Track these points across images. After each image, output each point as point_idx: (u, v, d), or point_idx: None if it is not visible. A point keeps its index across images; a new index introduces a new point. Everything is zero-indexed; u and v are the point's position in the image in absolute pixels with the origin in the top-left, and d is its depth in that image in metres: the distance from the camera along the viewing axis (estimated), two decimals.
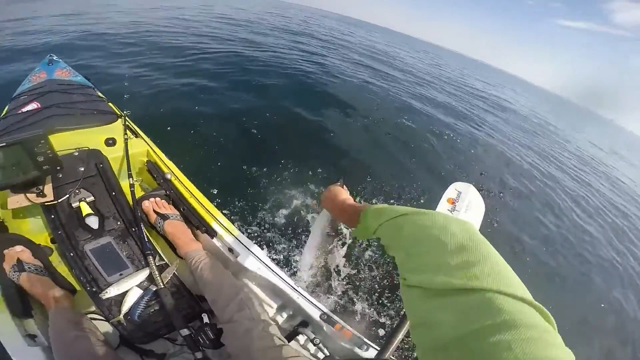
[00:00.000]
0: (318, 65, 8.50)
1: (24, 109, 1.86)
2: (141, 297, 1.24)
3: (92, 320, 1.17)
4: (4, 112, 1.90)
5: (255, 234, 2.54)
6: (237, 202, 2.74)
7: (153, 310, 1.22)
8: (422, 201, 4.07)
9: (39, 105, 1.89)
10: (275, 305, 1.44)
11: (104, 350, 1.00)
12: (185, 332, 1.13)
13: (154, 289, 1.25)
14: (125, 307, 1.19)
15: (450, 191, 1.39)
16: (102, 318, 1.19)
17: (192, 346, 1.10)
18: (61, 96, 2.00)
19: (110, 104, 2.06)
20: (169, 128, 3.57)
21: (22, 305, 1.11)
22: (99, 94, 2.21)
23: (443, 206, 1.35)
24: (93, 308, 1.25)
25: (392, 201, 3.82)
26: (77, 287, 1.28)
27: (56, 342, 0.99)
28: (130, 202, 1.45)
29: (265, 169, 3.38)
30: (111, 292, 1.20)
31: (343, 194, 0.86)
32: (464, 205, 1.33)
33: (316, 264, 0.97)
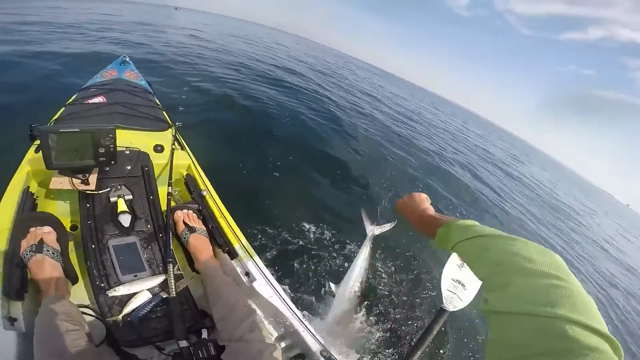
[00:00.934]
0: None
1: (91, 101, 2.04)
2: (148, 302, 1.24)
3: (84, 315, 1.15)
4: (72, 99, 2.08)
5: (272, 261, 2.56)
6: (258, 227, 2.81)
7: (155, 316, 1.22)
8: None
9: (105, 100, 2.06)
10: (275, 334, 1.42)
11: (88, 348, 0.99)
12: (184, 343, 1.12)
13: (164, 296, 1.27)
14: (128, 308, 1.20)
15: None
16: (93, 314, 1.18)
17: (186, 359, 1.08)
18: (126, 96, 2.18)
19: (164, 112, 2.22)
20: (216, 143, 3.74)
21: (19, 286, 1.10)
22: (157, 101, 2.40)
23: (453, 261, 1.37)
24: (87, 302, 1.25)
25: None
26: (80, 278, 1.30)
27: (42, 331, 0.97)
28: (164, 209, 1.51)
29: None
30: (120, 291, 1.23)
31: (425, 202, 0.88)
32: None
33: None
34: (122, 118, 1.92)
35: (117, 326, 1.14)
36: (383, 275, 3.24)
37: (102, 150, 1.39)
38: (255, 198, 3.38)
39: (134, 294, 1.25)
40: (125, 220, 1.40)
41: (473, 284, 1.36)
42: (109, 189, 1.47)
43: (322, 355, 1.27)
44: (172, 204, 1.57)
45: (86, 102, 2.02)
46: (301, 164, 4.49)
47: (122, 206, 1.43)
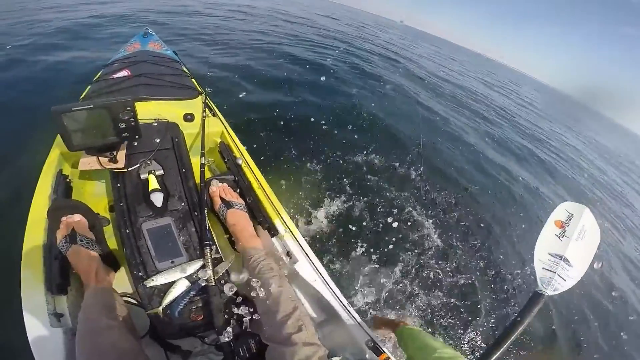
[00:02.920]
0: None
1: (115, 75, 1.92)
2: (187, 292, 1.10)
3: (126, 304, 1.09)
4: (97, 76, 1.99)
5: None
6: (300, 203, 2.60)
7: (196, 307, 1.09)
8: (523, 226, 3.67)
9: (130, 73, 1.93)
10: (318, 319, 1.32)
11: (130, 343, 0.93)
12: (225, 337, 1.00)
13: (203, 284, 1.12)
14: (167, 300, 1.07)
15: (559, 213, 1.16)
16: (137, 304, 1.10)
17: (228, 354, 0.99)
18: (151, 67, 2.04)
19: (193, 79, 2.06)
20: (249, 115, 3.53)
21: (61, 279, 1.05)
22: (184, 68, 2.23)
23: (550, 229, 1.13)
24: (131, 290, 1.17)
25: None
26: (122, 265, 1.22)
27: (84, 328, 0.91)
28: (198, 183, 1.34)
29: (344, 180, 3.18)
30: (158, 280, 1.09)
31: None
32: (576, 231, 1.11)
33: None
34: (147, 89, 1.78)
35: (158, 319, 1.05)
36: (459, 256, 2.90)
37: (122, 125, 1.26)
38: (298, 168, 3.12)
39: (172, 282, 1.11)
40: (158, 199, 1.24)
41: (582, 258, 1.07)
42: (138, 165, 1.32)
43: (367, 345, 1.16)
44: (207, 175, 1.39)
45: (111, 77, 1.91)
46: (346, 134, 4.10)
47: (153, 183, 1.27)
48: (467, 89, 11.05)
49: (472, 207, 3.70)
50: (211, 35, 6.24)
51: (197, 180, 1.36)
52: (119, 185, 1.26)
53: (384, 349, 1.17)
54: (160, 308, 1.05)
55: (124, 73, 1.93)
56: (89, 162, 1.28)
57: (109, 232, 1.28)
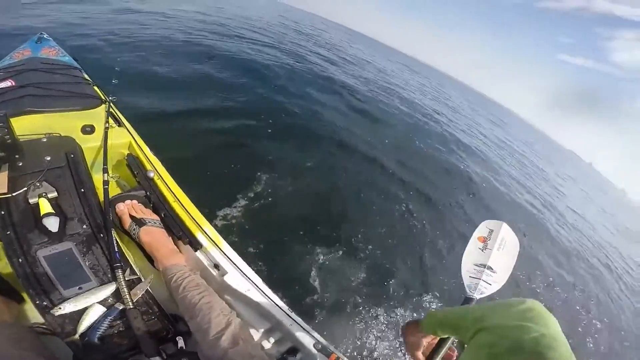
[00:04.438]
0: None
1: None
2: (104, 317, 1.02)
3: (41, 335, 0.99)
4: None
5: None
6: (226, 212, 2.53)
7: (117, 331, 1.01)
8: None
9: (14, 83, 1.67)
10: (261, 329, 1.27)
11: None
12: (157, 359, 0.94)
13: (121, 308, 1.04)
14: (83, 327, 0.98)
15: (481, 230, 1.33)
16: (52, 333, 0.99)
17: None
18: (41, 75, 1.80)
19: (96, 87, 1.86)
20: (161, 122, 3.35)
21: None
22: (85, 76, 2.01)
23: (473, 245, 1.28)
24: (42, 320, 1.02)
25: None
26: (25, 296, 1.08)
27: None
28: (102, 202, 1.23)
29: (261, 177, 3.16)
30: (66, 308, 0.98)
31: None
32: (496, 244, 1.26)
33: None
34: (35, 101, 1.56)
35: (79, 347, 0.95)
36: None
37: None
38: (216, 173, 3.06)
39: (85, 309, 1.01)
40: (52, 224, 1.11)
41: (504, 264, 1.21)
42: (25, 188, 1.16)
43: (315, 348, 1.16)
44: (115, 192, 1.28)
45: None
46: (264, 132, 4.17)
47: (45, 207, 1.13)
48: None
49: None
50: (122, 39, 5.71)
51: (102, 199, 1.24)
52: (2, 212, 1.10)
53: (333, 349, 1.19)
54: (77, 336, 0.96)
55: (7, 83, 1.67)
56: None
57: (2, 263, 1.10)
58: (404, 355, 2.32)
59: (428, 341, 1.02)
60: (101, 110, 1.65)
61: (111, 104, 1.68)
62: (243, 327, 0.97)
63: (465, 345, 0.70)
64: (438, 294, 3.17)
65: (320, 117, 5.63)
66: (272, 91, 5.74)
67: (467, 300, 1.11)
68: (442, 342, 1.00)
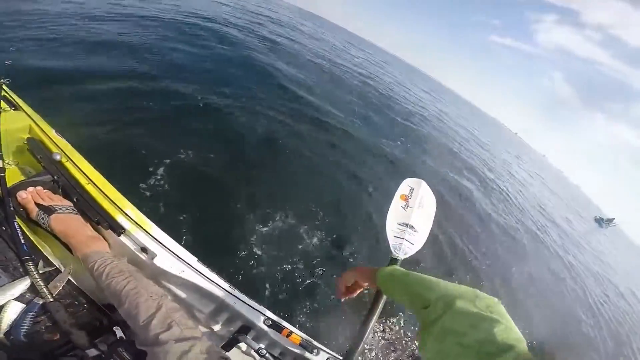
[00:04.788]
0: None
1: None
2: (24, 313, 0.96)
3: None
4: None
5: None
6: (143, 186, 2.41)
7: (45, 326, 0.96)
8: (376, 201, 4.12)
9: None
10: (207, 310, 1.22)
11: None
12: (93, 352, 0.91)
13: (41, 302, 0.98)
14: (4, 326, 0.92)
15: (403, 188, 1.36)
16: None
17: None
18: None
19: None
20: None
21: None
22: None
23: (396, 203, 1.30)
24: None
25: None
26: None
27: None
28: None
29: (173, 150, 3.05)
30: None
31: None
32: (416, 202, 1.29)
33: None
34: None
35: (8, 347, 0.89)
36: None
37: None
38: (133, 149, 2.85)
39: (1, 307, 0.94)
40: None
41: (423, 224, 1.24)
42: None
43: (265, 324, 1.15)
44: (15, 181, 1.16)
45: None
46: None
47: None
48: None
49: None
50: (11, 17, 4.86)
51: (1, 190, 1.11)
52: None
53: (285, 323, 1.19)
54: (1, 335, 0.90)
55: None
56: None
57: None
58: (350, 319, 2.42)
59: (357, 289, 1.02)
60: None
61: (4, 87, 1.45)
62: (177, 308, 0.94)
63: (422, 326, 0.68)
64: (367, 255, 3.34)
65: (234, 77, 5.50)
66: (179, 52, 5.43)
67: (393, 261, 1.12)
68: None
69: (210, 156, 3.24)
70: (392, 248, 1.16)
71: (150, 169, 2.69)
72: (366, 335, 0.99)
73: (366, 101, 9.13)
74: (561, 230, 12.50)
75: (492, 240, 6.17)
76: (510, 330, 0.54)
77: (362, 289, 1.04)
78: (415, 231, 1.20)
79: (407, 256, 1.15)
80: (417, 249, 1.18)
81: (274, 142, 4.31)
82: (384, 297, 0.99)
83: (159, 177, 2.64)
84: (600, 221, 34.25)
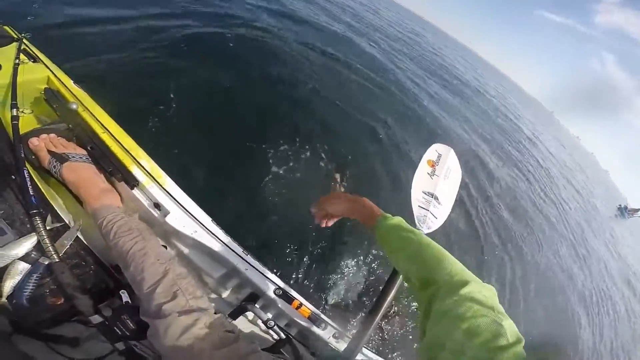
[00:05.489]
0: None
1: None
2: (29, 274, 0.86)
3: None
4: None
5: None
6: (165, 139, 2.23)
7: (49, 289, 0.87)
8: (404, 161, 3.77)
9: None
10: (216, 275, 1.15)
11: None
12: (97, 319, 0.85)
13: (46, 262, 0.88)
14: (7, 288, 0.83)
15: (431, 153, 1.31)
16: None
17: (110, 336, 0.85)
18: None
19: (6, 27, 1.55)
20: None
21: None
22: None
23: (423, 168, 1.25)
24: None
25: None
26: None
27: None
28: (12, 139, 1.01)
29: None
30: None
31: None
32: (443, 171, 1.26)
33: None
34: None
35: (10, 312, 0.82)
36: None
37: None
38: (151, 102, 2.66)
39: (5, 267, 0.85)
40: None
41: (448, 197, 1.20)
42: None
43: (275, 294, 1.11)
44: (29, 129, 1.08)
45: None
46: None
47: None
48: None
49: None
50: None
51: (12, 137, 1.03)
52: None
53: (295, 294, 1.14)
54: (4, 299, 0.82)
55: None
56: None
57: None
58: (368, 297, 2.19)
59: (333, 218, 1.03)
60: (11, 48, 1.37)
61: (24, 41, 1.41)
62: (184, 275, 0.84)
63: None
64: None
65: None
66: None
67: None
68: (394, 277, 1.01)
69: (230, 85, 3.11)
70: (416, 220, 1.11)
71: (164, 99, 2.58)
72: (378, 317, 0.99)
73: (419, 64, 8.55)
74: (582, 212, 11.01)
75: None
76: (514, 325, 0.55)
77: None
78: (439, 203, 1.16)
79: (430, 231, 1.10)
80: (440, 224, 1.13)
81: (306, 82, 4.08)
82: (401, 277, 0.97)
83: (171, 109, 2.51)
84: (624, 210, 29.78)
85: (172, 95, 2.77)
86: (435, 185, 1.19)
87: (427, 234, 0.96)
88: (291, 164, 2.83)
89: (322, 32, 6.87)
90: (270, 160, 2.73)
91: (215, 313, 0.79)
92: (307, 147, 3.09)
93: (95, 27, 3.35)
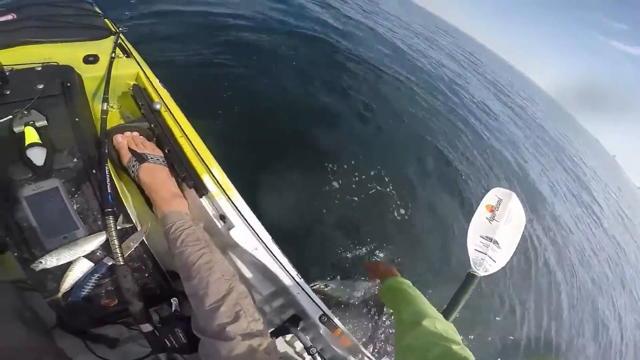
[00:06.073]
0: None
1: None
2: (90, 274, 0.86)
3: (26, 291, 0.85)
4: None
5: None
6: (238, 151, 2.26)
7: (105, 290, 0.87)
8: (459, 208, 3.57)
9: (15, 17, 1.51)
10: (265, 292, 1.16)
11: (33, 334, 0.73)
12: (147, 327, 0.84)
13: (110, 263, 0.86)
14: (66, 284, 0.83)
15: (490, 197, 1.31)
16: (33, 289, 0.86)
17: (156, 346, 0.87)
18: (44, 8, 1.61)
19: (106, 20, 1.66)
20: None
21: None
22: (97, 9, 1.81)
23: (481, 213, 1.24)
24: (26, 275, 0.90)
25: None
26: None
27: None
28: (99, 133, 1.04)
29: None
30: (48, 262, 0.82)
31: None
32: (504, 216, 1.22)
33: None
34: (36, 32, 1.39)
35: (61, 307, 0.83)
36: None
37: None
38: (236, 113, 2.74)
39: (69, 263, 0.85)
40: (37, 156, 0.92)
41: (509, 241, 1.17)
42: (10, 117, 0.97)
43: (320, 320, 1.07)
44: (114, 124, 1.10)
45: None
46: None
47: (31, 136, 0.93)
48: None
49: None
50: None
51: (99, 131, 1.05)
52: None
53: (338, 321, 1.11)
54: (60, 295, 0.82)
55: (8, 17, 1.52)
56: None
57: None
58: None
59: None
60: (109, 41, 1.46)
61: (120, 35, 1.49)
62: (245, 295, 0.81)
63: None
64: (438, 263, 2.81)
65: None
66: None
67: (470, 277, 1.07)
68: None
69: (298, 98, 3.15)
70: (471, 263, 1.12)
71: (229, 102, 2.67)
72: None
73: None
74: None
75: None
76: (464, 350, 0.68)
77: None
78: (499, 247, 1.14)
79: (487, 273, 1.09)
80: (499, 267, 1.11)
81: (378, 104, 4.02)
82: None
83: (234, 113, 2.56)
84: None
85: (236, 100, 2.86)
86: (495, 229, 1.16)
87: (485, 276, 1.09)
88: (351, 185, 2.80)
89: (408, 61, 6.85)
90: (330, 176, 2.71)
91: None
92: (370, 171, 3.06)
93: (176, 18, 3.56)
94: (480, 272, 1.06)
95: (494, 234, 1.16)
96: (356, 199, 2.73)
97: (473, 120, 6.98)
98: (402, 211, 2.97)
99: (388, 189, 3.05)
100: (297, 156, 2.76)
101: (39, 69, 1.13)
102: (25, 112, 0.99)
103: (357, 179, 2.88)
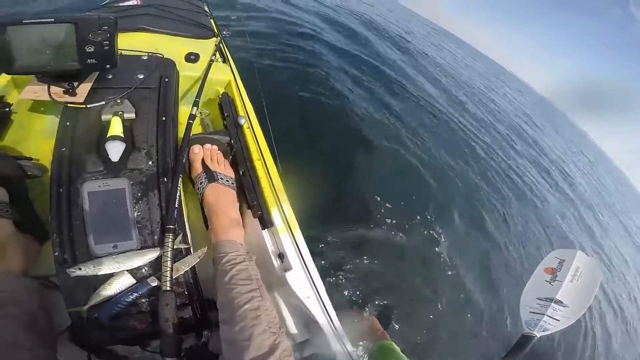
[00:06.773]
0: None
1: (124, 3, 1.64)
2: (129, 292, 0.77)
3: (45, 288, 0.83)
4: (105, 2, 1.75)
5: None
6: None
7: (137, 311, 0.78)
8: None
9: (139, 2, 1.62)
10: (298, 340, 1.08)
11: (28, 341, 0.67)
12: None
13: (154, 284, 0.78)
14: (97, 298, 0.75)
15: (549, 260, 1.17)
16: (56, 288, 0.82)
17: None
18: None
19: (212, 20, 1.72)
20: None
21: None
22: (206, 8, 1.91)
23: (539, 277, 1.12)
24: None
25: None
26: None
27: None
28: (181, 139, 0.98)
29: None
30: (86, 269, 0.74)
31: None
32: (568, 275, 1.09)
33: None
34: (152, 20, 1.46)
35: (80, 320, 0.76)
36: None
37: (90, 49, 0.89)
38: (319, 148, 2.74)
39: (110, 275, 0.77)
40: (114, 150, 0.88)
41: (578, 297, 1.02)
42: (103, 102, 0.95)
43: None
44: (197, 132, 1.05)
45: (119, 4, 1.64)
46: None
47: (114, 128, 0.90)
48: None
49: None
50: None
51: (181, 135, 0.99)
52: (67, 124, 0.91)
53: None
54: (85, 308, 0.74)
55: (134, 2, 1.63)
56: (35, 91, 0.94)
57: (42, 186, 0.92)
58: None
59: None
60: (211, 42, 1.49)
61: (222, 39, 1.51)
62: (289, 353, 0.71)
63: None
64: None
65: None
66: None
67: (525, 338, 0.97)
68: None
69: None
70: (524, 324, 1.02)
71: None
72: None
73: None
74: None
75: None
76: None
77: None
78: (564, 305, 1.03)
79: (546, 333, 0.98)
80: (564, 325, 0.98)
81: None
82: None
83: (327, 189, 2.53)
84: None
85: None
86: (557, 290, 1.07)
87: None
88: (398, 226, 2.66)
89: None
90: (378, 216, 2.59)
91: None
92: (417, 215, 2.92)
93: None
94: (537, 332, 0.97)
95: (556, 294, 1.07)
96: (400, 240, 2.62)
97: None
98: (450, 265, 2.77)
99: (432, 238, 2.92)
100: (359, 209, 2.70)
101: (145, 58, 1.14)
102: (119, 101, 0.98)
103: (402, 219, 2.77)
